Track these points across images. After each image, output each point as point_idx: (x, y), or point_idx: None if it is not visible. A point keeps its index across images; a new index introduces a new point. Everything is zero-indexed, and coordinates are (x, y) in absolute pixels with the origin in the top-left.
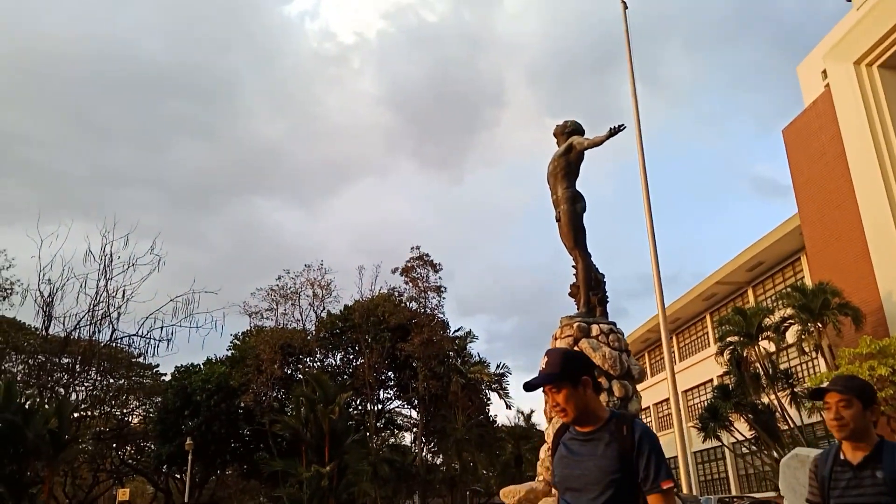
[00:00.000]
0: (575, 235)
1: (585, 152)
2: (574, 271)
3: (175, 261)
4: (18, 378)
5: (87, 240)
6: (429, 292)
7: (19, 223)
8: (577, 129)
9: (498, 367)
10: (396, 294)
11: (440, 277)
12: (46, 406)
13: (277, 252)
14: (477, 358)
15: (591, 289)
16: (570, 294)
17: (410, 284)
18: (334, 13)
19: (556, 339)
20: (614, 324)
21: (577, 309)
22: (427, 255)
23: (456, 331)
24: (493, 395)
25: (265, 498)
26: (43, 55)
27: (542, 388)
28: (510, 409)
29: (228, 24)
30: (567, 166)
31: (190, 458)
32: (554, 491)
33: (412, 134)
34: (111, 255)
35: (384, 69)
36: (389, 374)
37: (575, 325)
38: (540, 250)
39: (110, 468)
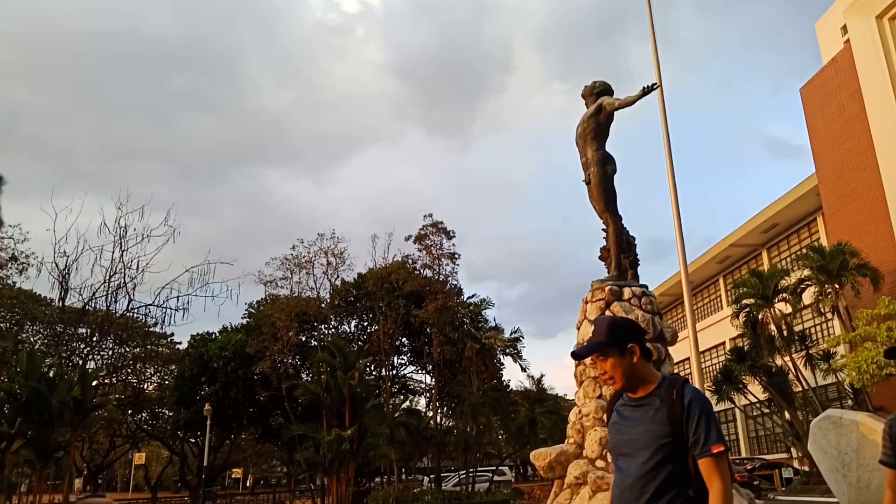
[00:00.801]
0: (606, 198)
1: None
2: (604, 234)
3: (187, 232)
4: (38, 348)
5: (101, 212)
6: (442, 259)
7: (34, 197)
8: (605, 90)
9: (512, 332)
10: (410, 261)
11: (454, 244)
12: (66, 376)
13: (288, 222)
14: (492, 324)
15: (622, 251)
16: (599, 257)
17: (424, 252)
18: None
19: (586, 302)
20: (646, 286)
21: (608, 272)
22: (441, 222)
23: (470, 297)
24: (506, 360)
25: (278, 461)
26: (47, 31)
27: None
28: (525, 371)
29: None
30: (597, 128)
31: (208, 422)
32: (585, 453)
33: (419, 102)
34: (125, 227)
35: (389, 37)
36: (403, 340)
37: (607, 289)
38: (548, 216)
39: (126, 433)
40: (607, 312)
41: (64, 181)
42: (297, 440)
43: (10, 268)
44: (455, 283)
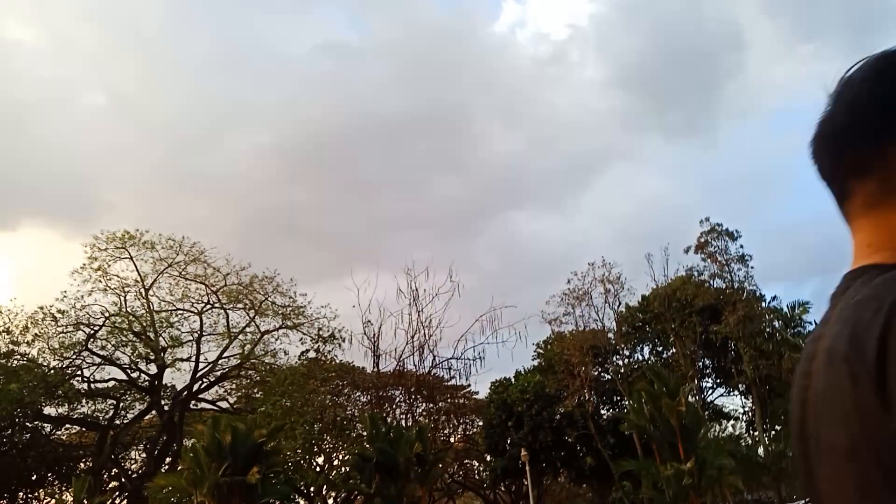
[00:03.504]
0: None
1: None
2: None
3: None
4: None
5: (395, 280)
6: (732, 264)
7: (326, 280)
8: None
9: None
10: (696, 273)
11: (741, 246)
12: (404, 434)
13: (541, 258)
14: (813, 327)
15: None
16: None
17: (709, 260)
18: (542, 14)
19: None
20: None
21: None
22: (720, 224)
23: (772, 300)
24: None
25: (598, 498)
26: (310, 135)
27: None
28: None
29: (451, 58)
30: None
31: (527, 469)
32: None
33: (649, 108)
34: (416, 290)
35: (604, 51)
36: (705, 360)
37: None
38: (827, 196)
39: (441, 486)
40: None
41: (344, 261)
42: (615, 479)
43: (332, 344)
44: (753, 288)
